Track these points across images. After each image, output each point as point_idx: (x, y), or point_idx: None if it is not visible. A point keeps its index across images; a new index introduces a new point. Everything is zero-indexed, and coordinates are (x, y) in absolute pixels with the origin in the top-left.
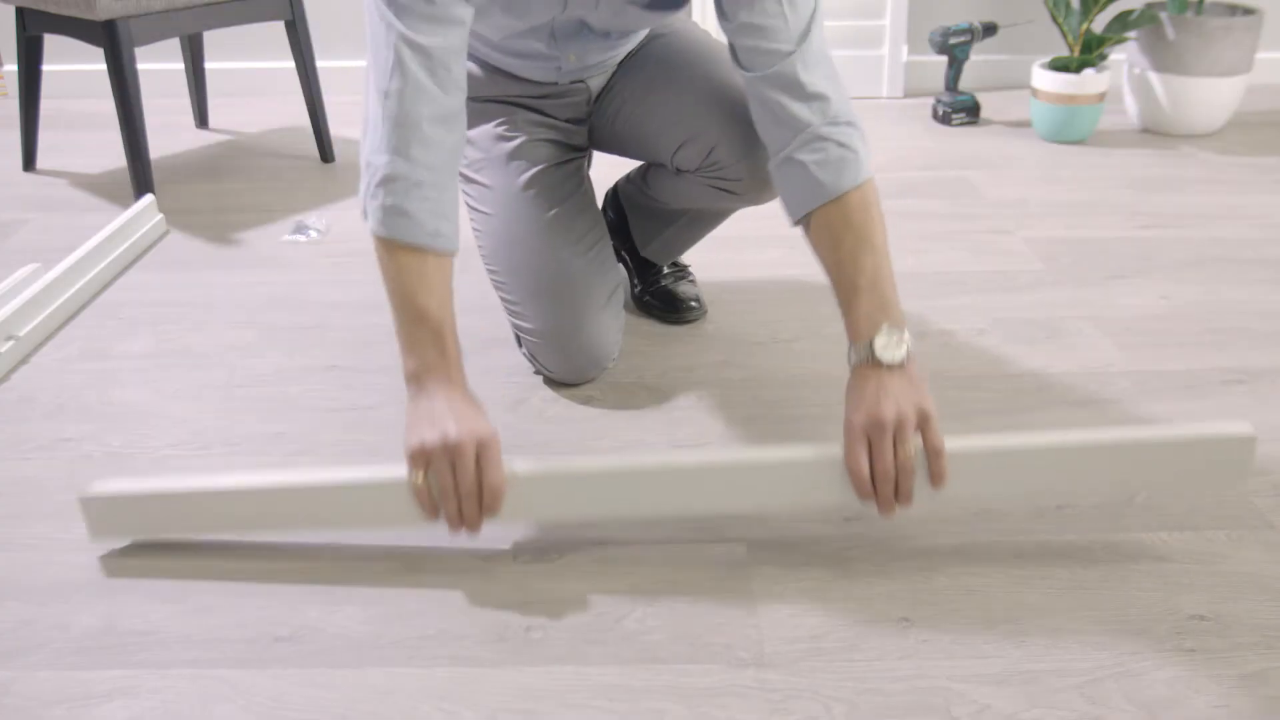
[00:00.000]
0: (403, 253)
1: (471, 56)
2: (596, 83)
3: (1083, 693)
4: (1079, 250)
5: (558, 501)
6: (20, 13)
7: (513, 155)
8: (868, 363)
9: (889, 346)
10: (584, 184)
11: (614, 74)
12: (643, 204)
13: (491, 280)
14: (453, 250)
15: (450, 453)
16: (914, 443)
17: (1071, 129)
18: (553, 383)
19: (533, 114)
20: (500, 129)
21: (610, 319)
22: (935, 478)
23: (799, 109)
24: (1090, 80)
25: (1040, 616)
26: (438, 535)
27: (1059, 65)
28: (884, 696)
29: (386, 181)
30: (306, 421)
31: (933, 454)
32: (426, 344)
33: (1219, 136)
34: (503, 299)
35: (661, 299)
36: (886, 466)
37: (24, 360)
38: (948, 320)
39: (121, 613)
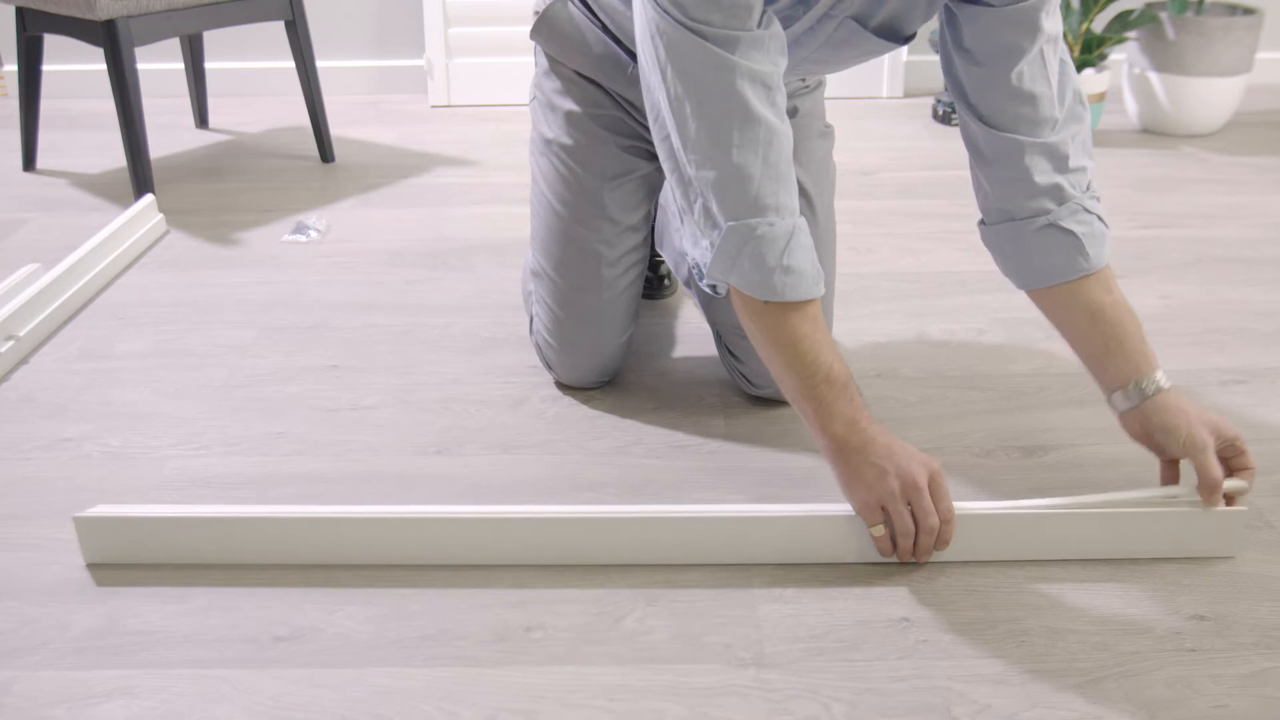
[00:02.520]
0: (793, 310)
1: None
2: None
3: (1083, 693)
4: None
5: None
6: (20, 13)
7: (595, 154)
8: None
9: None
10: (651, 199)
11: None
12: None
13: (530, 255)
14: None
15: (909, 493)
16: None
17: None
18: (553, 382)
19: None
20: (590, 123)
21: (623, 340)
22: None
23: (1061, 179)
24: (1090, 80)
25: (1040, 616)
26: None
27: None
28: (884, 696)
29: (766, 241)
30: (306, 421)
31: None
32: (843, 401)
33: (1219, 136)
34: (534, 282)
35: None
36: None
37: (24, 360)
38: (948, 320)
39: (121, 613)
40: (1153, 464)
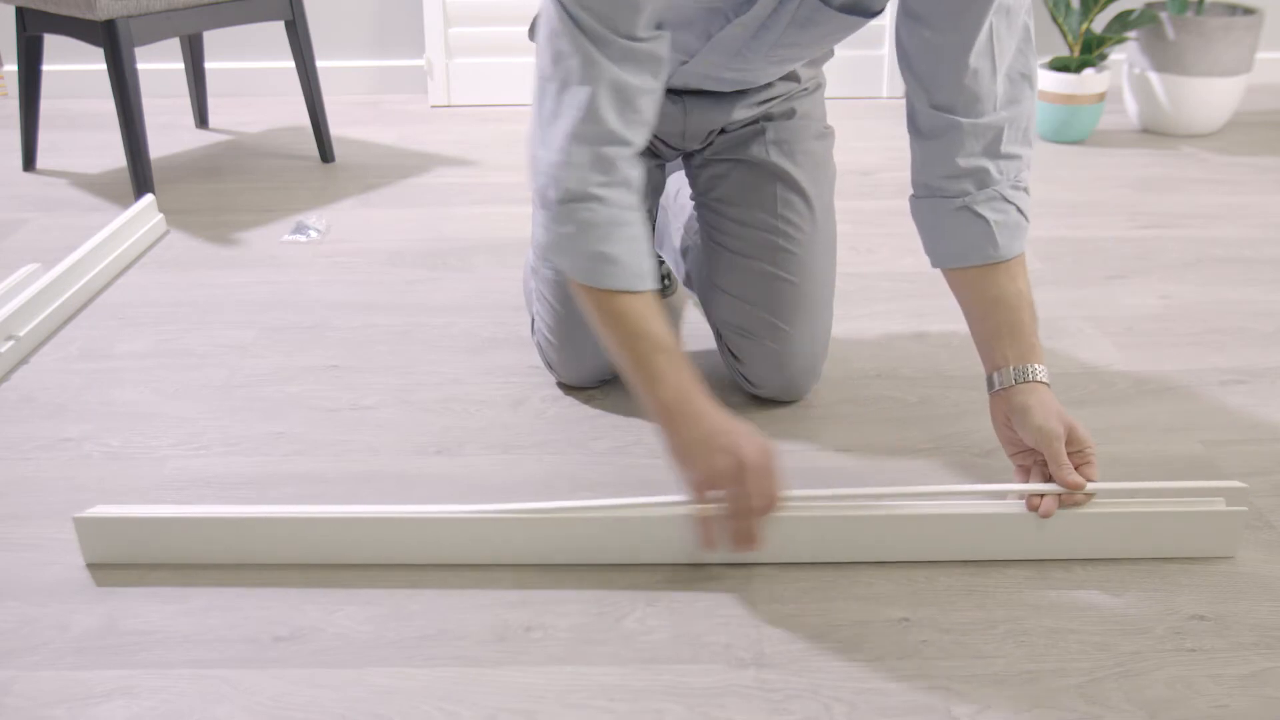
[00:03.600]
0: (617, 296)
1: None
2: (691, 134)
3: (1083, 693)
4: (1078, 250)
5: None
6: (20, 13)
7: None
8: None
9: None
10: (651, 196)
11: (714, 152)
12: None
13: (531, 254)
14: (656, 289)
15: (747, 472)
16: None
17: (1071, 129)
18: (553, 382)
19: None
20: None
21: None
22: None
23: (988, 164)
24: (1090, 80)
25: (1040, 616)
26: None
27: (1059, 65)
28: (884, 696)
29: (588, 227)
30: (306, 421)
31: None
32: (674, 370)
33: (1219, 136)
34: (535, 279)
35: None
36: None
37: (24, 360)
38: (948, 320)
39: (121, 613)
40: (1153, 464)
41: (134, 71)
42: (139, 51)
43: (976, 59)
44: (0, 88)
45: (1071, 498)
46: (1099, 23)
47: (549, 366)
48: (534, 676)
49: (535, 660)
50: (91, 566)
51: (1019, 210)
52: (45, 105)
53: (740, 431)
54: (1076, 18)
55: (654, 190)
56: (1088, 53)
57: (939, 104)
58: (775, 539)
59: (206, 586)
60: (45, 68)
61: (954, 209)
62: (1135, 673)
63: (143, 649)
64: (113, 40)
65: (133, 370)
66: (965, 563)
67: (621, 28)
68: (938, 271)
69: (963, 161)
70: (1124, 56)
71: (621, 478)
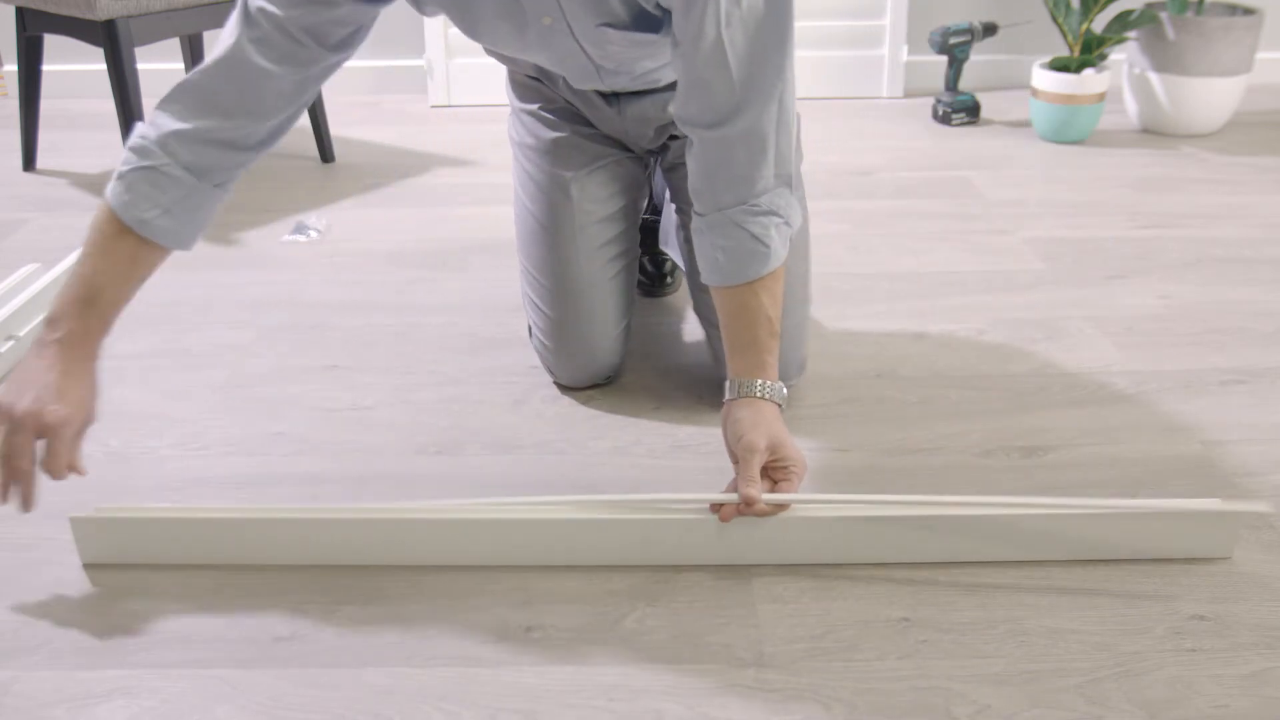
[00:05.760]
0: (111, 224)
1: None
2: (651, 132)
3: (1083, 693)
4: (1079, 250)
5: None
6: (20, 13)
7: (557, 148)
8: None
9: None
10: (629, 192)
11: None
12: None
13: (520, 265)
14: (156, 244)
15: (12, 423)
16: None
17: (1071, 129)
18: (553, 382)
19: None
20: (549, 117)
21: (616, 335)
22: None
23: (742, 190)
24: (1090, 80)
25: (1040, 616)
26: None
27: (1059, 65)
28: (884, 696)
29: (141, 152)
30: (306, 421)
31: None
32: (76, 302)
33: (1219, 136)
34: (525, 285)
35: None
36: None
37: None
38: (948, 320)
39: (121, 613)
40: (1153, 464)
41: (134, 71)
42: (139, 51)
43: (705, 69)
44: (0, 88)
45: (749, 509)
46: (1099, 23)
47: (549, 370)
48: (534, 676)
49: (535, 660)
50: (92, 567)
51: (754, 236)
52: (45, 105)
53: (44, 385)
54: (1076, 18)
55: (629, 182)
56: (1088, 53)
57: (681, 113)
58: (775, 539)
59: (206, 586)
60: (45, 68)
61: (706, 222)
62: (1135, 673)
63: (143, 649)
64: (113, 40)
65: (133, 370)
66: (965, 563)
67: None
68: (937, 272)
69: (713, 179)
70: (1124, 56)
71: (621, 478)
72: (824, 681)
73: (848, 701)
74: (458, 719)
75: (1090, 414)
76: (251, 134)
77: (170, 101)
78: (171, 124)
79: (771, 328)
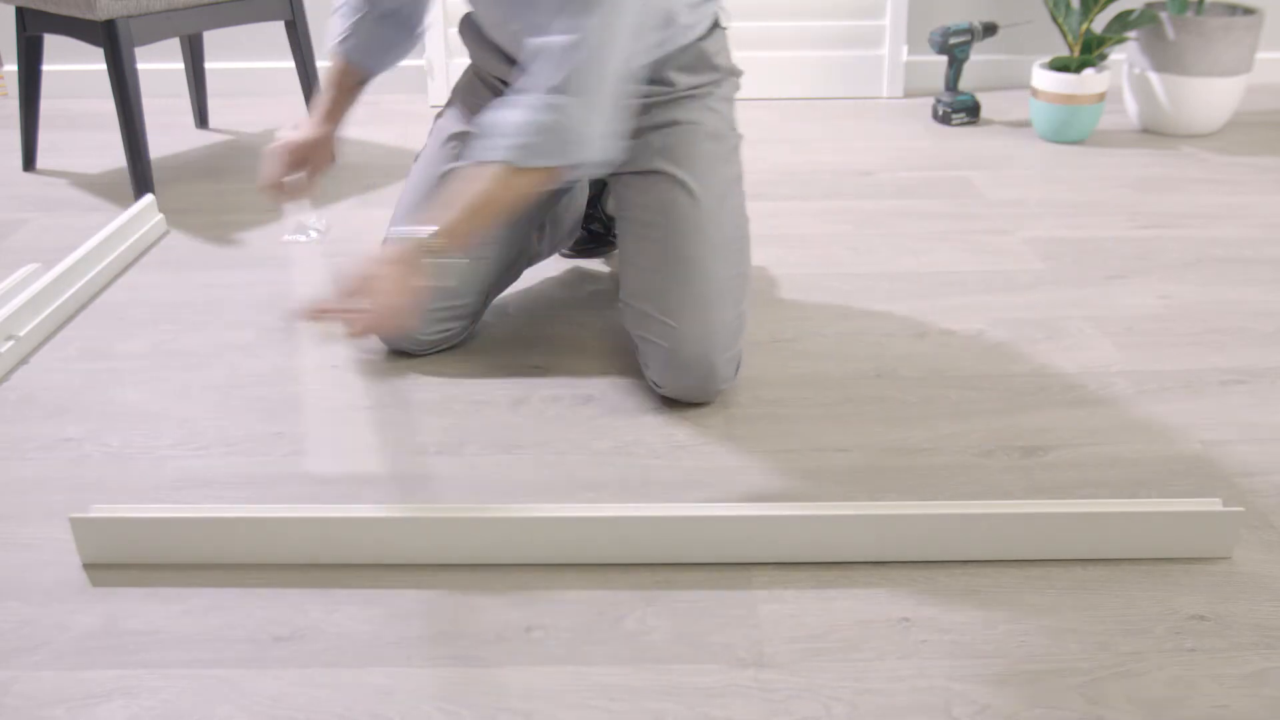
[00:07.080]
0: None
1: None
2: None
3: (1083, 693)
4: (1079, 250)
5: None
6: (20, 13)
7: (450, 139)
8: None
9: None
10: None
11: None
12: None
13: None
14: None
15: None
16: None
17: (1071, 129)
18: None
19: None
20: (460, 110)
21: (423, 318)
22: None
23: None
24: (1090, 80)
25: (1040, 616)
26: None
27: (1059, 65)
28: (884, 696)
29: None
30: (306, 421)
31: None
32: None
33: (1219, 136)
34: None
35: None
36: None
37: (24, 360)
38: (948, 320)
39: (121, 613)
40: (1153, 464)
41: (134, 71)
42: (139, 51)
43: None
44: (0, 88)
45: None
46: (1099, 23)
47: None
48: (534, 676)
49: (535, 660)
50: (92, 567)
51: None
52: (45, 105)
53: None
54: (1076, 18)
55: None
56: (1088, 53)
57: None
58: (775, 539)
59: (206, 586)
60: (45, 68)
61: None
62: (1135, 673)
63: (142, 649)
64: (113, 40)
65: (133, 370)
66: (965, 563)
67: None
68: (937, 272)
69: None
70: (1124, 56)
71: (621, 478)
72: (824, 681)
73: (848, 701)
74: (458, 719)
75: (1090, 414)
76: None
77: None
78: None
79: (466, 199)
